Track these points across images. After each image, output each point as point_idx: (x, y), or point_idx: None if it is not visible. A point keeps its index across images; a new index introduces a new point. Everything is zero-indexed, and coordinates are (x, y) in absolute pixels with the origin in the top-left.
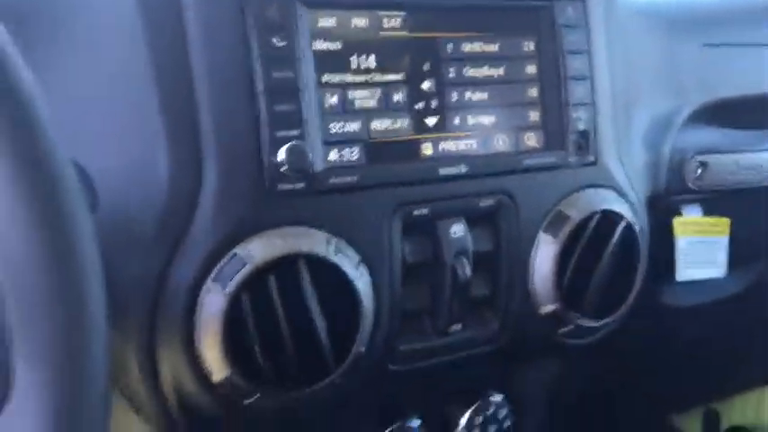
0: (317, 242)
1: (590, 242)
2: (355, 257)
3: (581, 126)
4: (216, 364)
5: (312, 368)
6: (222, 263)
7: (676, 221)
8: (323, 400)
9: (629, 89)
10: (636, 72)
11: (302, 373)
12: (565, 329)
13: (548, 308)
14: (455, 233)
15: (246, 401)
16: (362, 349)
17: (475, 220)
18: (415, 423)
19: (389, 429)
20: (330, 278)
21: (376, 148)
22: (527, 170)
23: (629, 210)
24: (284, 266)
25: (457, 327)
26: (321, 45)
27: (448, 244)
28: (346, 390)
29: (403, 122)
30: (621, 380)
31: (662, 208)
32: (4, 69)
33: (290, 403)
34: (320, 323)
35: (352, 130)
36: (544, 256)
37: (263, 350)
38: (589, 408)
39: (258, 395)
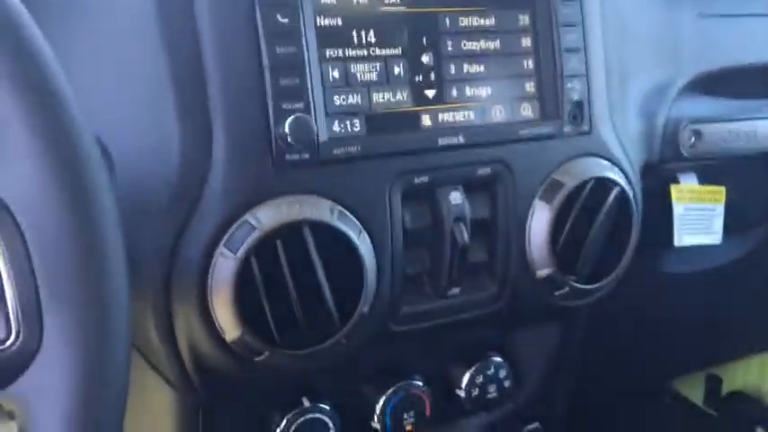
0: (321, 209)
1: (583, 208)
2: (358, 223)
3: (575, 97)
4: (228, 324)
5: (319, 327)
6: (232, 229)
7: (673, 188)
8: (330, 359)
9: (624, 60)
10: (631, 43)
11: (309, 331)
12: (560, 292)
13: (543, 272)
14: (453, 200)
15: (258, 359)
16: (366, 310)
17: (473, 187)
18: (419, 383)
19: (394, 388)
20: (334, 243)
21: (377, 120)
22: (523, 140)
23: (623, 177)
24: (291, 232)
25: (456, 290)
26: (324, 21)
27: (447, 210)
28: (352, 348)
29: (403, 95)
30: (622, 344)
31: (658, 176)
32: (31, 52)
33: (300, 361)
34: (325, 285)
35: (354, 103)
36: (539, 222)
37: (272, 310)
38: (590, 371)
39: (268, 353)
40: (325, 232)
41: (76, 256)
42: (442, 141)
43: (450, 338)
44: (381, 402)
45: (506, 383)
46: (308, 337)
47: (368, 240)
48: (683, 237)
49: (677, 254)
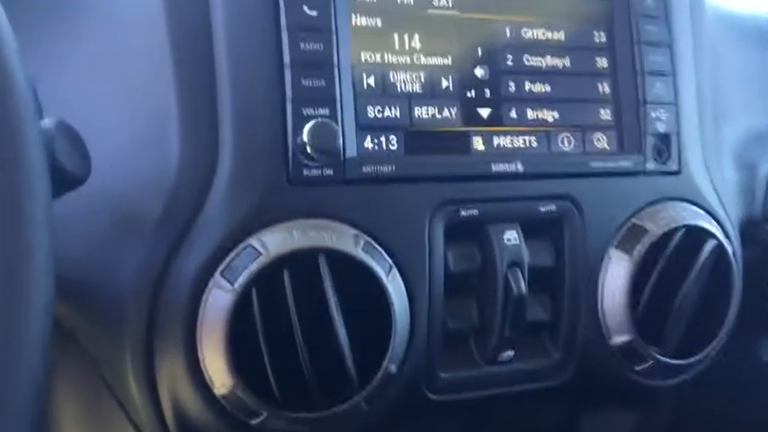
0: (343, 237)
1: (671, 262)
2: (389, 259)
3: (661, 128)
4: (219, 373)
5: (332, 386)
6: (233, 255)
7: None
8: (346, 427)
9: (717, 98)
10: (725, 81)
11: (320, 391)
12: (641, 367)
13: (620, 339)
14: (509, 240)
15: (254, 422)
16: (394, 369)
17: (533, 227)
18: None
19: None
20: (357, 280)
21: (419, 138)
22: (596, 174)
23: (719, 229)
24: (303, 263)
25: (509, 354)
26: (360, 20)
27: (500, 252)
28: (375, 418)
29: (451, 111)
30: None
31: (759, 240)
32: None
33: (307, 428)
34: (342, 332)
35: (391, 116)
36: (615, 276)
37: (272, 359)
38: None
39: (267, 414)
40: (346, 266)
41: None
42: (496, 168)
43: (502, 416)
44: None
45: None
46: (319, 396)
47: (400, 281)
48: None
49: None
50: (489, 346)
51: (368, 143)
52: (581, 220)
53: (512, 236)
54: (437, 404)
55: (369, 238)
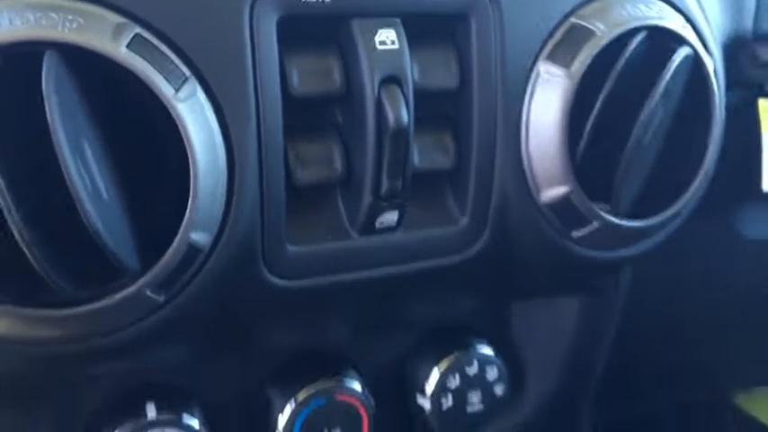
0: (94, 27)
1: (626, 79)
2: (182, 67)
3: None
4: None
5: (82, 269)
6: None
7: (763, 104)
8: (129, 330)
9: None
10: None
11: (59, 277)
12: (582, 232)
13: (552, 192)
14: (383, 44)
15: None
16: (201, 239)
17: (422, 27)
18: (353, 384)
19: (310, 391)
20: (120, 98)
21: None
22: None
23: (695, 36)
24: (17, 67)
25: (392, 218)
26: None
27: (369, 61)
28: (179, 314)
29: None
30: (671, 337)
31: (743, 82)
32: None
33: (57, 333)
34: (77, 178)
35: None
36: (547, 100)
37: None
38: (626, 374)
39: None
40: (98, 74)
41: None
42: None
43: (395, 309)
44: (287, 413)
45: (498, 389)
46: (61, 281)
47: (205, 104)
48: None
49: (762, 211)
50: (361, 206)
51: None
52: (495, 18)
53: (388, 37)
54: (286, 293)
55: (143, 31)
